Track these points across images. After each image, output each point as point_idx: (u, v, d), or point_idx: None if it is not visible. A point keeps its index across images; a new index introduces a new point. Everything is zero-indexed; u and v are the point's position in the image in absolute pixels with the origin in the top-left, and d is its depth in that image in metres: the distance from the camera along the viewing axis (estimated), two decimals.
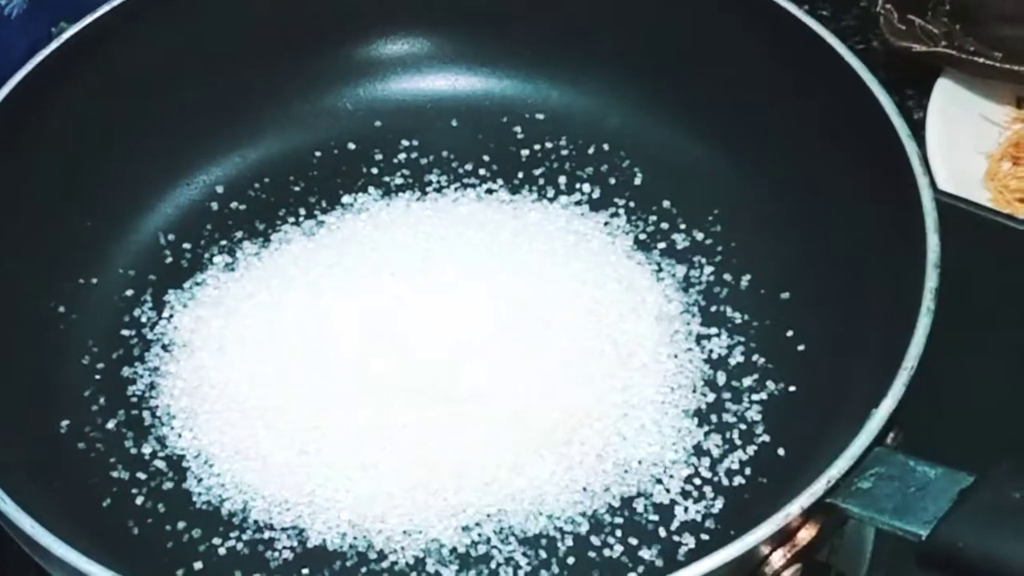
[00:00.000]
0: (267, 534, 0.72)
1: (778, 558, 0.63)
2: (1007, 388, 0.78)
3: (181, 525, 0.72)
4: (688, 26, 0.83)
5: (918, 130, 0.94)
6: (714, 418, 0.74)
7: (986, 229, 0.85)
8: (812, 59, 0.78)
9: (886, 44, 0.98)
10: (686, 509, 0.72)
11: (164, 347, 0.78)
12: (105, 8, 0.82)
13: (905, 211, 0.71)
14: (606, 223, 0.82)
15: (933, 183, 0.89)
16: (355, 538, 0.71)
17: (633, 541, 0.71)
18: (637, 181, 0.84)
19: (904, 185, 0.72)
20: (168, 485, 0.74)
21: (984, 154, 0.96)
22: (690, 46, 0.84)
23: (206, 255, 0.82)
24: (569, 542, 0.71)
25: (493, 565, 0.70)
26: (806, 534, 0.64)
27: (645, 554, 0.71)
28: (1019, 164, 0.96)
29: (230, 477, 0.73)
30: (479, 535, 0.71)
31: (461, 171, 0.85)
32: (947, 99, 0.97)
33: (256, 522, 0.72)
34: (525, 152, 0.85)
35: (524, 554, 0.71)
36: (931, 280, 0.68)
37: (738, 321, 0.78)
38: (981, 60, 0.95)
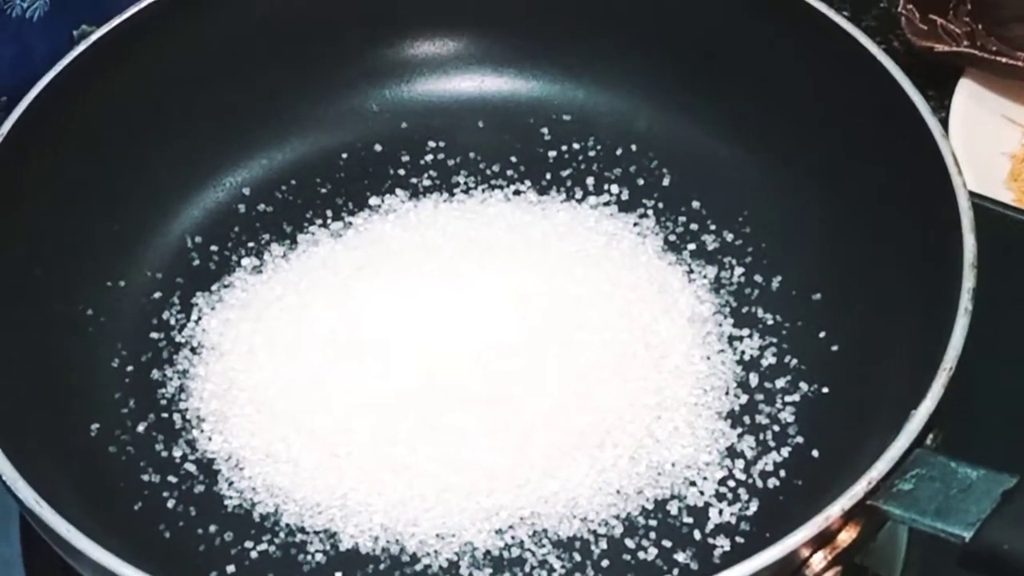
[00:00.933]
0: (299, 537, 0.72)
1: (818, 560, 0.63)
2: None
3: (213, 528, 0.72)
4: (716, 26, 0.83)
5: None
6: (747, 420, 0.74)
7: (1013, 229, 0.84)
8: (843, 59, 0.78)
9: (908, 44, 0.98)
10: (720, 511, 0.71)
11: (192, 350, 0.78)
12: (128, 12, 0.82)
13: (940, 211, 0.71)
14: (635, 224, 0.81)
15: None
16: (387, 541, 0.71)
17: (667, 543, 0.71)
18: (666, 182, 0.83)
19: (939, 185, 0.71)
20: (199, 488, 0.73)
21: (1007, 155, 0.96)
22: (718, 46, 0.83)
23: (233, 257, 0.82)
24: (603, 545, 0.71)
25: (527, 568, 0.70)
26: (847, 536, 0.63)
27: (680, 557, 0.70)
28: None
29: (261, 480, 0.73)
30: (513, 538, 0.71)
31: (488, 172, 0.85)
32: (969, 100, 0.96)
33: (288, 525, 0.72)
34: (552, 153, 0.85)
35: (558, 557, 0.70)
36: (968, 280, 0.68)
37: (770, 322, 0.78)
38: (1004, 60, 0.95)
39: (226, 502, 0.73)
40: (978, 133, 0.95)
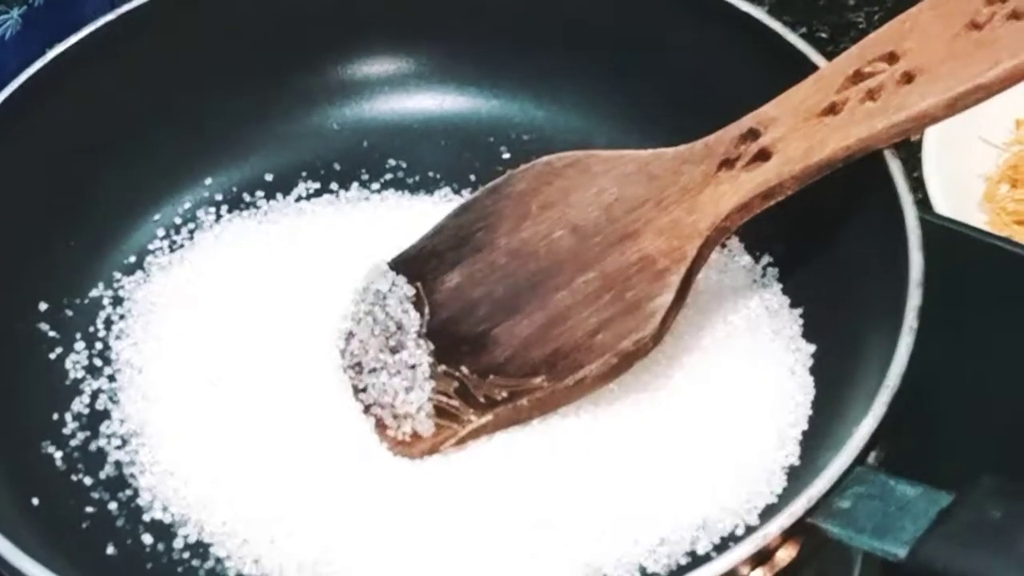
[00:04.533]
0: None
1: None
2: (996, 406, 0.78)
3: (161, 547, 0.72)
4: (677, 47, 0.83)
5: (915, 152, 0.94)
6: None
7: (983, 252, 0.84)
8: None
9: None
10: None
11: (139, 370, 0.77)
12: (88, 29, 0.82)
13: (889, 228, 0.71)
14: None
15: (930, 204, 0.90)
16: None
17: None
18: None
19: (888, 202, 0.71)
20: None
21: (982, 176, 0.96)
22: (679, 67, 0.83)
23: None
24: None
25: None
26: (785, 554, 0.63)
27: None
28: (1017, 187, 0.95)
29: (207, 500, 0.72)
30: None
31: (448, 191, 0.84)
32: (945, 121, 0.95)
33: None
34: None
35: None
36: (914, 298, 0.68)
37: None
38: None
39: (175, 522, 0.72)
40: (954, 154, 0.95)
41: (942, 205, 0.92)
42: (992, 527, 0.59)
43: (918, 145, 0.94)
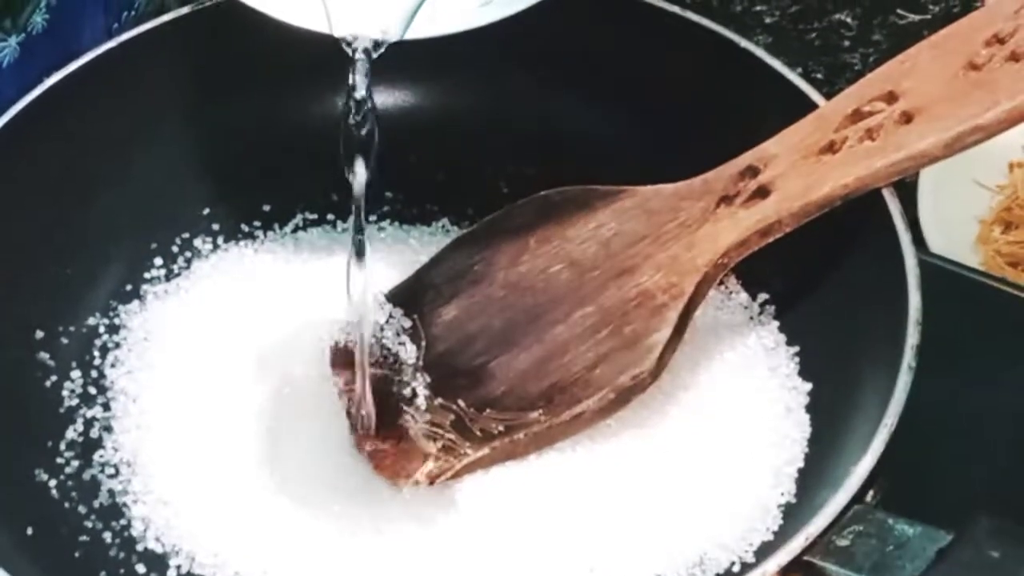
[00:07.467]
0: None
1: None
2: (994, 445, 0.78)
3: None
4: (677, 83, 0.83)
5: (910, 194, 0.94)
6: None
7: (978, 293, 0.84)
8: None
9: None
10: None
11: (134, 400, 0.77)
12: (86, 57, 0.82)
13: (887, 267, 0.71)
14: None
15: (925, 245, 0.90)
16: None
17: None
18: None
19: (886, 241, 0.71)
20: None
21: (976, 218, 0.96)
22: (679, 103, 0.83)
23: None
24: None
25: None
26: None
27: None
28: (1011, 229, 0.95)
29: (200, 530, 0.72)
30: None
31: (445, 224, 0.85)
32: (939, 163, 0.96)
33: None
34: None
35: None
36: (912, 337, 0.68)
37: None
38: None
39: (168, 552, 0.72)
40: (948, 197, 0.95)
41: (937, 246, 0.92)
42: (990, 567, 0.59)
43: (914, 186, 0.94)
